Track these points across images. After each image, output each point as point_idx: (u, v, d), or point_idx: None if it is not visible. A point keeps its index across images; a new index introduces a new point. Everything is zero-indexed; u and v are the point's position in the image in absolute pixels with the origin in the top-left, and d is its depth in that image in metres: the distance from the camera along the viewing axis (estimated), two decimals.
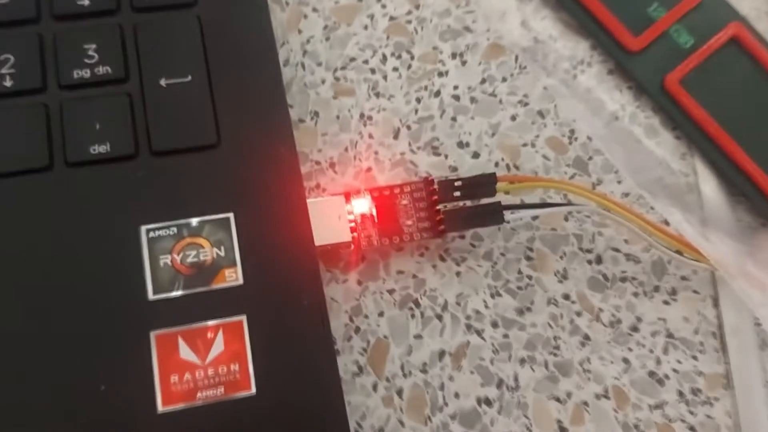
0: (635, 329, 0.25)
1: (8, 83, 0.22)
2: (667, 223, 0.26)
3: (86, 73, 0.23)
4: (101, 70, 0.23)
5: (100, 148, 0.22)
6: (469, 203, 0.25)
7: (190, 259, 0.21)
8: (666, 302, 0.25)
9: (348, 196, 0.24)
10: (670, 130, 0.28)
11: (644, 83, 0.28)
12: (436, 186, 0.24)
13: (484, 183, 0.24)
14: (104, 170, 0.22)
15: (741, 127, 0.27)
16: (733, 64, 0.28)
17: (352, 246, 0.23)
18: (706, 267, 0.25)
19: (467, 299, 0.24)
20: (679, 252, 0.24)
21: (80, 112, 0.22)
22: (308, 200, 0.22)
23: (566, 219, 0.26)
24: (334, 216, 0.23)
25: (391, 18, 0.28)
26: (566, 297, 0.25)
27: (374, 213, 0.24)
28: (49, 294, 0.20)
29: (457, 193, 0.24)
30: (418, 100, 0.27)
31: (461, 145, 0.26)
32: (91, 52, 0.23)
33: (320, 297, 0.21)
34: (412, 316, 0.24)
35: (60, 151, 0.22)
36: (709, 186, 0.27)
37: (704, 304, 0.25)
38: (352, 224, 0.23)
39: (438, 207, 0.24)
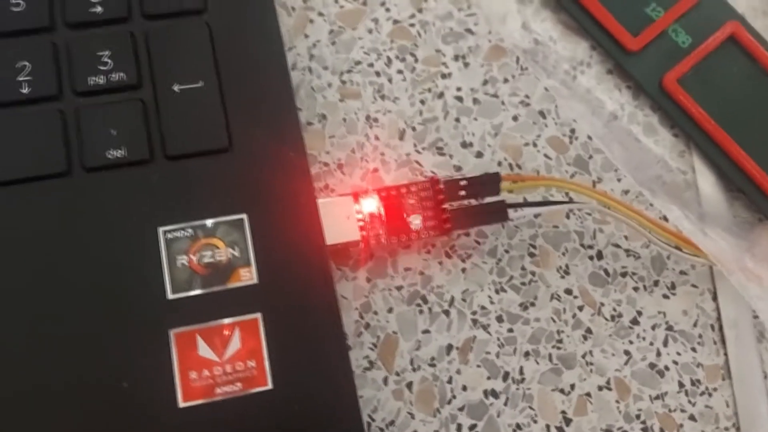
0: (636, 323, 0.26)
1: (25, 91, 0.23)
2: (666, 219, 0.26)
3: (101, 80, 0.24)
4: (115, 76, 0.24)
5: (116, 153, 0.23)
6: (474, 202, 0.25)
7: (206, 260, 0.21)
8: (665, 296, 0.26)
9: (356, 196, 0.24)
10: (669, 128, 0.28)
11: (643, 82, 0.28)
12: (442, 185, 0.25)
13: (489, 182, 0.25)
14: (121, 174, 0.22)
15: (739, 125, 0.27)
16: (730, 63, 0.28)
17: (362, 245, 0.24)
18: (705, 262, 0.25)
19: (473, 295, 0.25)
20: (677, 247, 0.25)
21: (96, 118, 0.23)
22: (318, 200, 0.23)
23: (568, 216, 0.27)
24: (344, 216, 0.24)
25: (395, 22, 0.28)
26: (569, 292, 0.26)
27: (382, 212, 0.24)
28: (71, 296, 0.21)
29: (463, 192, 0.25)
30: (423, 102, 0.27)
31: (465, 145, 0.27)
32: (104, 59, 0.24)
33: (332, 295, 0.22)
34: (420, 311, 0.25)
35: (77, 156, 0.22)
36: (707, 183, 0.27)
37: (703, 297, 0.26)
38: (361, 223, 0.24)
39: (444, 206, 0.25)
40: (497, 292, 0.25)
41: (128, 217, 0.22)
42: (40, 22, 0.24)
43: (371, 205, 0.24)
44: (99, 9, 0.24)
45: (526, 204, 0.26)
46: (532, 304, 0.25)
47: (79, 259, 0.21)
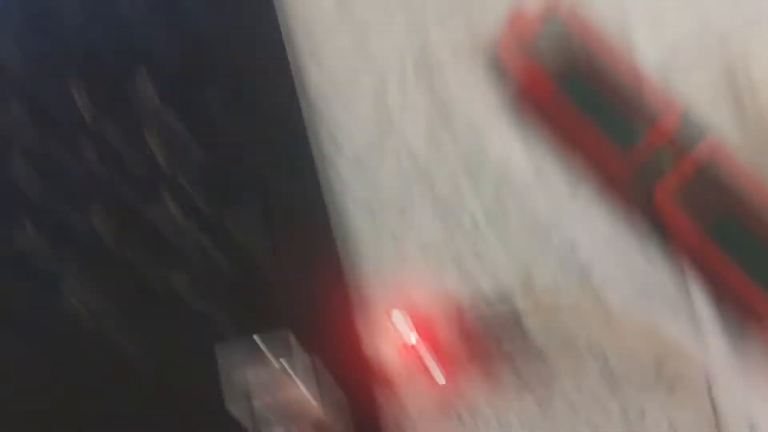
0: (641, 418, 0.28)
1: None
2: (662, 328, 0.29)
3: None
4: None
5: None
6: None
7: (260, 374, 0.24)
8: (665, 400, 0.28)
9: (393, 311, 0.27)
10: (664, 239, 0.31)
11: (637, 197, 0.31)
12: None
13: None
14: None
15: (727, 237, 0.30)
16: (716, 178, 0.31)
17: (398, 355, 0.26)
18: (701, 366, 0.27)
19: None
20: (675, 352, 0.27)
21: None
22: (355, 314, 0.26)
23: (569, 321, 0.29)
24: (380, 328, 0.27)
25: (413, 155, 0.32)
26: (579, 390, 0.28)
27: (414, 328, 0.27)
28: (139, 404, 0.23)
29: None
30: (445, 225, 0.31)
31: (483, 262, 0.30)
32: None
33: (374, 401, 0.24)
34: (457, 420, 0.27)
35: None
36: (701, 291, 0.30)
37: (700, 399, 0.28)
38: (398, 336, 0.27)
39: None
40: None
41: (189, 333, 0.25)
42: None
43: (406, 319, 0.27)
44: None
45: None
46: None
47: (150, 374, 0.24)
